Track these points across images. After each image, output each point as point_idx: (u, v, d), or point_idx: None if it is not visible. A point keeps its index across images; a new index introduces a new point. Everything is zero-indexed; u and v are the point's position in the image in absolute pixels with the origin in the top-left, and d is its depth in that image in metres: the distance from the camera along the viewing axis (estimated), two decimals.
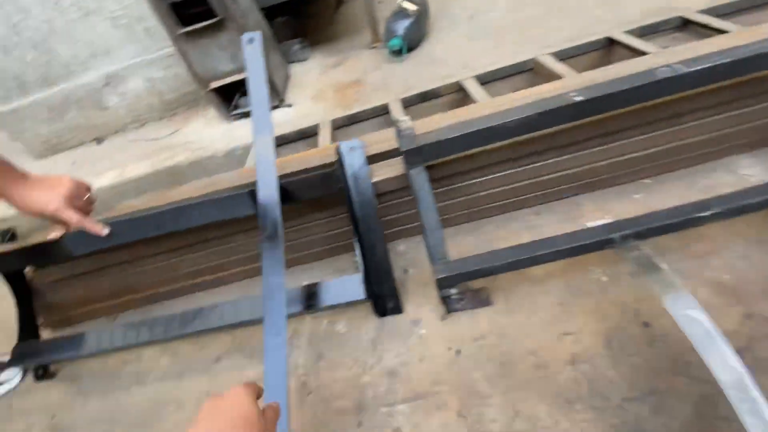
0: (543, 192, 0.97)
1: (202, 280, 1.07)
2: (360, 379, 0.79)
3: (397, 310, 0.87)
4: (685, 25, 1.40)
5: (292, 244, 1.02)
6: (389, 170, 0.90)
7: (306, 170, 0.84)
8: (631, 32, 1.43)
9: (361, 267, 0.84)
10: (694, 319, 0.56)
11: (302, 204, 0.91)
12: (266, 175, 0.81)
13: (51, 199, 0.81)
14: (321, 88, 1.97)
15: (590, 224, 0.83)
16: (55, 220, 0.85)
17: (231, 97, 1.94)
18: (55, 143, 2.20)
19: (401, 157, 0.84)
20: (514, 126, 0.76)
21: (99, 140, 2.20)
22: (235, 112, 1.92)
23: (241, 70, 1.79)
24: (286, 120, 1.83)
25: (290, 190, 0.83)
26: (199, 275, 1.05)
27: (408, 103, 1.59)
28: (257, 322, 0.89)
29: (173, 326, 0.86)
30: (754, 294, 0.71)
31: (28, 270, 1.03)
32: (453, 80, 1.60)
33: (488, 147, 0.85)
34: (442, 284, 0.77)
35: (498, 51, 1.80)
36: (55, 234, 0.89)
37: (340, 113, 1.67)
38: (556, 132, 0.86)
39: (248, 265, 1.05)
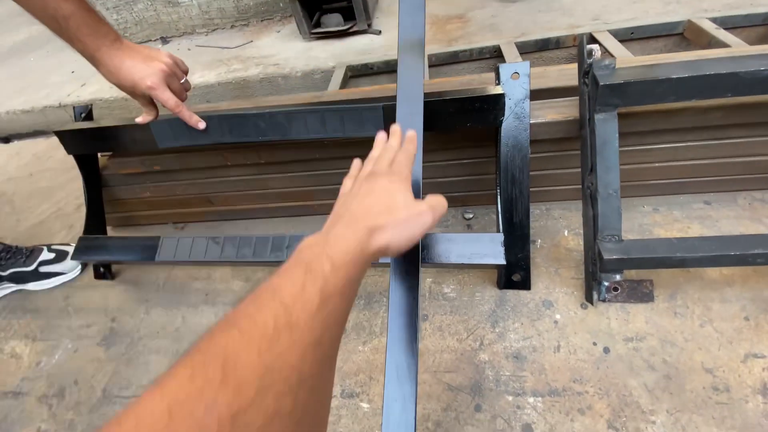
0: (726, 177, 0.78)
1: (287, 206, 0.94)
2: (477, 356, 0.66)
3: (525, 285, 0.72)
4: None
5: None
6: (552, 113, 0.71)
7: (455, 92, 0.67)
8: None
9: (500, 226, 0.68)
10: None
11: (426, 138, 0.74)
12: (410, 89, 0.63)
13: (148, 73, 0.67)
14: None
15: None
16: (145, 101, 0.72)
17: (313, 12, 1.73)
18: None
19: (583, 97, 0.65)
20: (765, 77, 0.56)
21: (165, 40, 2.05)
22: (316, 31, 1.72)
23: None
24: (372, 47, 1.62)
25: (434, 115, 0.66)
26: (286, 199, 0.92)
27: (523, 50, 1.36)
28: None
29: (260, 250, 0.74)
30: None
31: (102, 156, 0.92)
32: (582, 30, 1.35)
33: (700, 104, 0.65)
34: (609, 267, 0.61)
35: (638, 7, 1.50)
36: (142, 118, 0.75)
37: (438, 49, 1.46)
38: None
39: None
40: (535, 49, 1.40)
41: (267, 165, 0.84)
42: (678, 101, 0.61)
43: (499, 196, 0.69)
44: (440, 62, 1.47)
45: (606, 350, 0.64)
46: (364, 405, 0.64)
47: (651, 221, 0.79)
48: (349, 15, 1.67)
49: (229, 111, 0.73)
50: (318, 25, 1.74)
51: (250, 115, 0.72)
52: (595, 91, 0.61)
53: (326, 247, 0.34)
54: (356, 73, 1.48)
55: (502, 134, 0.67)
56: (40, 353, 0.84)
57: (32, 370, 0.81)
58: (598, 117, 0.62)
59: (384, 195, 0.41)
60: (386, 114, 0.67)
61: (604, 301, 0.68)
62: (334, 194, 0.90)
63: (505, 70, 0.67)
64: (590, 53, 0.64)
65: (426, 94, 0.66)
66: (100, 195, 0.92)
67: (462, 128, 0.69)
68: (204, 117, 0.74)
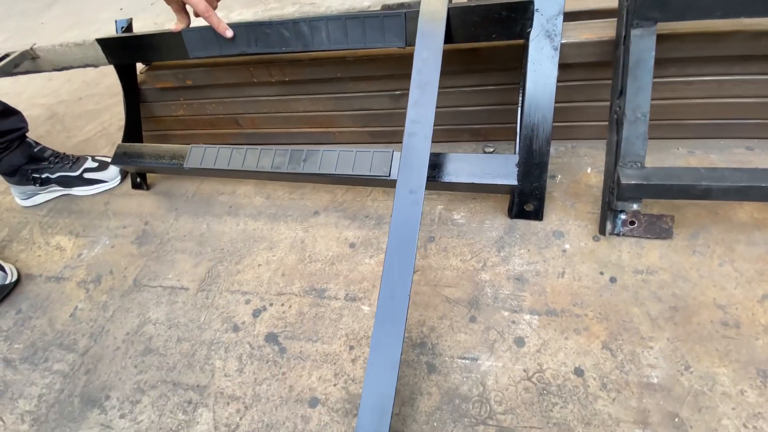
0: None
1: (310, 131, 0.96)
2: (478, 275, 0.67)
3: (537, 215, 0.71)
4: None
5: None
6: (587, 33, 0.67)
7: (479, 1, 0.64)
8: None
9: (516, 148, 0.66)
10: None
11: (447, 60, 0.72)
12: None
13: None
14: None
15: None
16: (177, 6, 0.74)
17: None
18: None
19: (621, 12, 0.60)
20: None
21: None
22: None
23: None
24: None
25: (457, 24, 0.64)
26: (308, 123, 0.94)
27: None
28: (372, 181, 0.77)
29: (278, 162, 0.77)
30: None
31: (140, 70, 0.97)
32: None
33: (752, 27, 0.59)
34: (627, 194, 0.59)
35: None
36: (175, 26, 0.78)
37: None
38: None
39: (363, 127, 0.92)
40: None
41: (291, 84, 0.86)
42: (726, 17, 0.56)
43: (520, 118, 0.67)
44: None
45: (612, 280, 0.63)
46: (365, 307, 0.67)
47: (684, 163, 0.74)
48: None
49: (256, 20, 0.74)
50: None
51: (275, 23, 0.72)
52: (633, 2, 0.57)
53: None
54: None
55: (530, 51, 0.64)
56: (82, 247, 0.93)
57: (74, 260, 0.90)
58: (634, 33, 0.58)
59: None
60: (408, 23, 0.65)
61: (618, 234, 0.66)
62: (354, 120, 0.92)
63: None
64: None
65: (457, 3, 0.64)
66: (137, 106, 0.97)
67: (486, 40, 0.66)
68: (232, 26, 0.75)
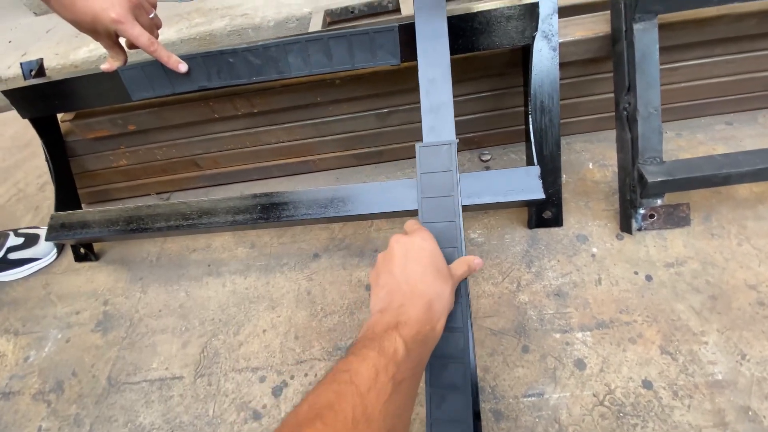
0: (748, 95, 0.75)
1: (285, 163, 0.85)
2: (516, 297, 0.63)
3: (557, 221, 0.69)
4: None
5: (410, 128, 0.79)
6: (580, 30, 0.65)
7: (478, 14, 0.59)
8: None
9: (535, 158, 0.63)
10: None
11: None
12: (432, 7, 0.55)
13: (112, 3, 0.55)
14: None
15: None
16: (110, 41, 0.60)
17: None
18: None
19: (618, 7, 0.58)
20: None
21: None
22: None
23: None
24: None
25: (456, 34, 0.58)
26: (283, 155, 0.83)
27: None
28: (383, 215, 0.70)
29: (268, 211, 0.66)
30: None
31: (64, 120, 0.79)
32: None
33: (736, 10, 0.60)
34: (653, 191, 0.58)
35: None
36: (107, 65, 0.64)
37: None
38: None
39: (346, 150, 0.83)
40: None
41: (261, 115, 0.75)
42: (720, 3, 0.56)
43: (530, 126, 0.63)
44: None
45: (648, 278, 0.62)
46: None
47: (676, 146, 0.76)
48: None
49: (216, 49, 0.63)
50: None
51: (240, 50, 0.61)
52: None
53: (398, 328, 0.35)
54: (336, 18, 1.35)
55: (533, 55, 0.60)
56: (27, 347, 0.74)
57: (20, 367, 0.72)
58: (636, 27, 0.57)
59: (425, 255, 0.42)
60: (403, 37, 0.58)
61: (640, 229, 0.65)
62: (337, 145, 0.83)
63: None
64: None
65: (453, 10, 0.58)
66: (67, 165, 0.80)
67: (490, 48, 0.61)
68: (184, 58, 0.63)
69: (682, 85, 0.73)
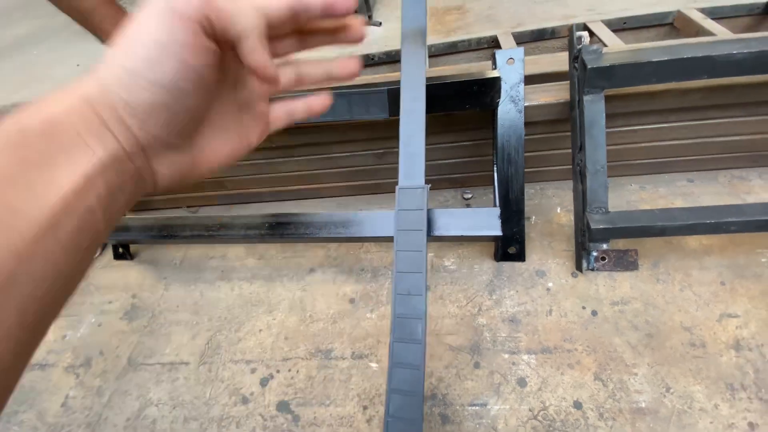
0: (707, 156, 0.83)
1: (295, 189, 0.99)
2: (475, 320, 0.72)
3: (520, 256, 0.78)
4: None
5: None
6: (544, 96, 0.77)
7: (454, 76, 0.72)
8: None
9: (496, 201, 0.73)
10: None
11: (431, 122, 0.80)
12: (413, 74, 0.69)
13: None
14: None
15: None
16: None
17: None
18: None
19: (573, 81, 0.70)
20: (737, 61, 0.61)
21: None
22: None
23: None
24: (373, 39, 1.66)
25: (434, 97, 0.71)
26: (294, 182, 0.97)
27: (520, 40, 1.40)
28: (367, 239, 0.82)
29: (274, 228, 0.79)
30: None
31: None
32: (577, 21, 1.40)
33: (681, 86, 0.70)
34: (596, 236, 0.67)
35: None
36: None
37: (437, 40, 1.50)
38: (762, 84, 0.71)
39: (348, 182, 0.96)
40: (531, 39, 1.45)
41: (276, 149, 0.89)
42: (660, 83, 0.67)
43: (495, 174, 0.74)
44: (439, 52, 1.51)
45: (594, 313, 0.70)
46: (373, 365, 0.70)
47: (638, 198, 0.85)
48: None
49: None
50: None
51: None
52: (583, 74, 0.66)
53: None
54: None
55: (498, 116, 0.72)
56: (65, 328, 0.89)
57: (58, 344, 0.86)
58: (586, 98, 0.68)
59: None
60: (390, 97, 0.72)
61: (592, 269, 0.74)
62: (340, 177, 0.97)
63: (501, 55, 0.72)
64: (579, 39, 0.69)
65: (427, 79, 0.71)
66: None
67: (461, 110, 0.74)
68: None
69: (643, 144, 0.82)
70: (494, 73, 0.70)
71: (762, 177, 0.84)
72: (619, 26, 1.38)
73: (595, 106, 0.67)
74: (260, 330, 0.79)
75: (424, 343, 0.57)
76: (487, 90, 0.70)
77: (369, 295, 0.80)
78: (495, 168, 0.74)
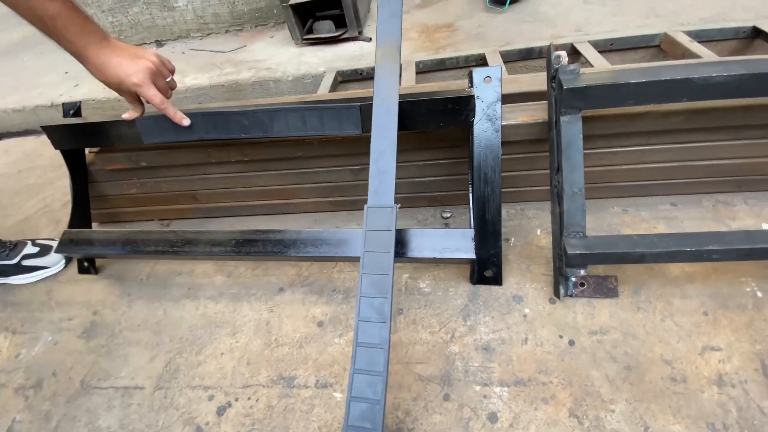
0: (691, 180, 0.81)
1: (270, 203, 0.96)
2: (447, 347, 0.68)
3: (497, 280, 0.75)
4: None
5: None
6: (523, 115, 0.75)
7: (429, 93, 0.70)
8: None
9: (471, 223, 0.71)
10: None
11: (403, 139, 0.77)
12: (386, 90, 0.66)
13: (135, 70, 0.69)
14: (405, 27, 1.77)
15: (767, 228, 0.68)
16: (131, 98, 0.74)
17: (306, 19, 1.77)
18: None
19: (551, 100, 0.68)
20: (717, 83, 0.59)
21: (159, 43, 2.08)
22: (308, 37, 1.76)
23: None
24: (363, 54, 1.66)
25: (408, 115, 0.69)
26: (268, 197, 0.94)
27: (507, 58, 1.40)
28: (337, 258, 0.78)
29: (240, 246, 0.76)
30: None
31: (89, 153, 0.94)
32: (564, 41, 1.40)
33: (661, 108, 0.69)
34: (573, 262, 0.64)
35: (617, 20, 1.57)
36: (128, 115, 0.77)
37: (425, 57, 1.50)
38: (745, 108, 0.69)
39: (324, 197, 0.93)
40: (518, 58, 1.45)
41: (251, 162, 0.87)
42: (637, 105, 0.65)
43: (471, 194, 0.71)
44: (428, 69, 1.51)
45: (571, 343, 0.66)
46: (337, 394, 0.65)
47: (620, 221, 0.82)
48: (340, 22, 1.71)
49: (214, 109, 0.76)
50: (310, 31, 1.78)
51: (233, 112, 0.74)
52: (560, 94, 0.65)
53: None
54: (346, 78, 1.52)
55: (474, 135, 0.70)
56: (20, 345, 0.84)
57: (10, 362, 0.82)
58: (563, 119, 0.66)
59: None
60: (363, 113, 0.70)
61: (571, 296, 0.71)
62: (316, 192, 0.94)
63: (478, 74, 0.70)
64: (558, 59, 0.68)
65: (404, 96, 0.69)
66: (86, 190, 0.93)
67: (435, 128, 0.71)
68: (189, 114, 0.76)
69: (625, 167, 0.80)
70: (468, 92, 0.68)
71: (747, 202, 0.82)
72: (607, 47, 1.38)
73: (572, 127, 0.65)
74: (222, 353, 0.74)
75: (386, 375, 0.53)
76: (461, 108, 0.68)
77: (339, 318, 0.76)
78: (471, 188, 0.71)
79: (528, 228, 0.84)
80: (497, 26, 1.65)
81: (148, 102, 0.74)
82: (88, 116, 0.90)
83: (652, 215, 0.82)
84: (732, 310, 0.66)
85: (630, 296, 0.70)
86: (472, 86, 0.70)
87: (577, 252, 0.63)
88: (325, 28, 1.74)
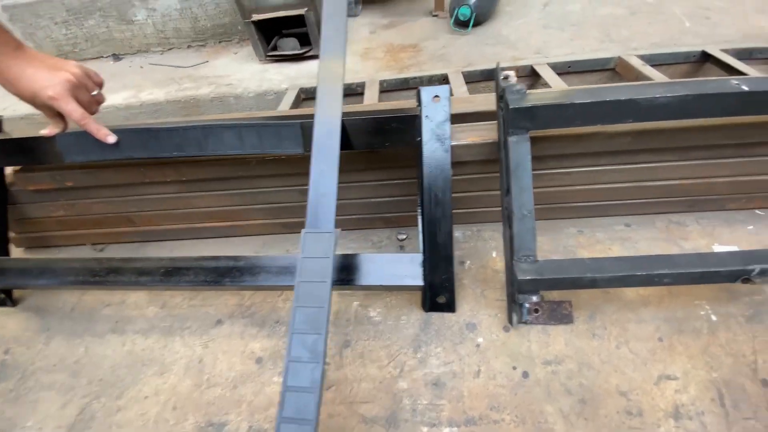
0: (644, 201, 0.81)
1: (215, 226, 0.89)
2: (396, 384, 0.63)
3: (450, 307, 0.71)
4: None
5: None
6: (473, 135, 0.72)
7: (374, 112, 0.67)
8: (727, 51, 1.27)
9: (421, 247, 0.67)
10: None
11: (353, 158, 0.73)
12: (328, 108, 0.63)
13: (52, 83, 0.63)
14: (371, 46, 1.78)
15: (718, 249, 0.67)
16: (51, 113, 0.68)
17: (270, 36, 1.74)
18: (67, 51, 1.99)
19: (499, 120, 0.66)
20: (661, 104, 0.59)
21: (117, 57, 1.99)
22: (272, 54, 1.72)
23: (288, 6, 1.59)
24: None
25: (352, 133, 0.65)
26: (213, 218, 0.88)
27: (469, 79, 1.40)
28: (277, 288, 0.73)
29: (170, 275, 0.69)
30: None
31: (8, 172, 0.85)
32: (524, 63, 1.42)
33: (608, 129, 0.68)
34: (524, 288, 0.61)
35: (575, 44, 1.61)
36: (47, 131, 0.70)
37: (390, 76, 1.49)
38: (690, 129, 0.69)
39: (274, 219, 0.88)
40: (480, 78, 1.45)
41: (189, 182, 0.80)
42: (585, 125, 0.63)
43: (421, 217, 0.68)
44: (391, 88, 1.49)
45: (525, 375, 0.62)
46: None
47: (575, 243, 0.80)
48: (305, 40, 1.69)
49: (144, 125, 0.70)
50: (275, 48, 1.75)
51: (164, 129, 0.68)
52: (507, 114, 0.63)
53: None
54: (309, 95, 1.48)
55: (423, 154, 0.67)
56: None
57: None
58: (511, 139, 0.64)
59: None
60: (305, 132, 0.66)
61: (525, 323, 0.67)
62: (264, 214, 0.88)
63: (426, 92, 0.67)
64: (505, 78, 0.66)
65: (348, 114, 0.65)
66: (5, 213, 0.84)
67: (381, 148, 0.68)
68: (116, 131, 0.70)
69: (578, 187, 0.79)
70: (413, 110, 0.65)
71: (699, 222, 0.82)
72: (564, 69, 1.41)
73: (520, 147, 0.63)
74: (146, 397, 0.66)
75: (316, 423, 0.47)
76: (406, 127, 0.65)
77: (279, 354, 0.69)
78: (420, 210, 0.68)
79: (484, 250, 0.81)
80: (460, 47, 1.67)
81: (68, 117, 0.68)
82: (12, 131, 0.82)
83: (607, 236, 0.81)
84: (687, 335, 0.64)
85: (585, 322, 0.67)
86: (419, 105, 0.67)
87: (528, 278, 0.60)
88: (289, 45, 1.72)
